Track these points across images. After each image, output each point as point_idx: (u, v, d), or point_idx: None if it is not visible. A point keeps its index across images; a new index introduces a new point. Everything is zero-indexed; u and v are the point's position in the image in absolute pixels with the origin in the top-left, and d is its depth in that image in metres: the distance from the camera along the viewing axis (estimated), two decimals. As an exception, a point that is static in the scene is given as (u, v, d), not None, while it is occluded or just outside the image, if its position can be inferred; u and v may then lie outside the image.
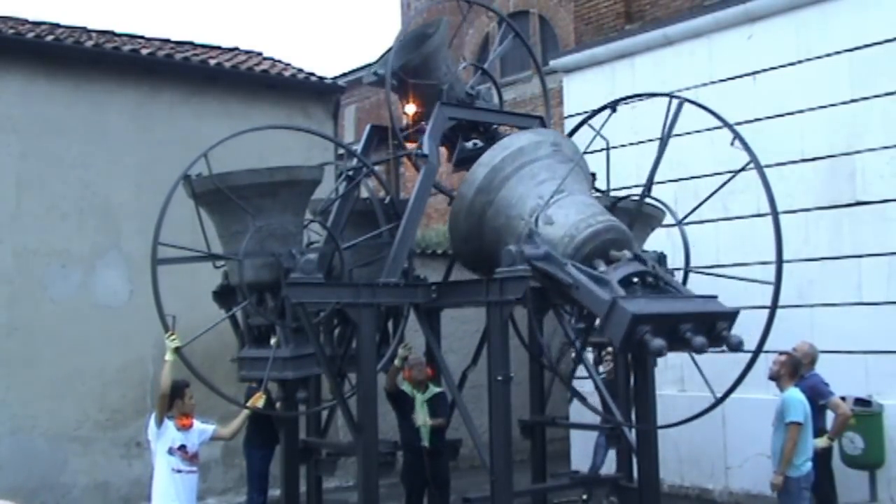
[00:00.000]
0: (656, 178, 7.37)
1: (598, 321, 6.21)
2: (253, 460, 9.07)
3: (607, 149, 7.82)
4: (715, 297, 6.46)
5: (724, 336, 6.16)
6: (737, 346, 6.14)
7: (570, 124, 11.82)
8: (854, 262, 9.51)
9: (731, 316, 6.24)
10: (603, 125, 7.75)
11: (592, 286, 6.12)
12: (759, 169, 6.47)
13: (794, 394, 7.30)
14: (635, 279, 6.36)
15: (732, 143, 6.72)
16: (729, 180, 7.00)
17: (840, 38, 9.75)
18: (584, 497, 10.33)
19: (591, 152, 8.04)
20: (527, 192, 6.95)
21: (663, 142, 7.12)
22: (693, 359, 6.43)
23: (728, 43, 10.78)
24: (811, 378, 8.06)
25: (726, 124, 6.97)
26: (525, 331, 8.65)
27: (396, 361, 8.06)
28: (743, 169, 6.80)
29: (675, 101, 7.18)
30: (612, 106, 7.93)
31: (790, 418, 7.15)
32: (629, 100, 7.96)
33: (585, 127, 8.03)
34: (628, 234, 6.83)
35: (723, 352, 6.63)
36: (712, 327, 6.14)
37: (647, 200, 7.69)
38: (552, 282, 6.40)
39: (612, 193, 8.35)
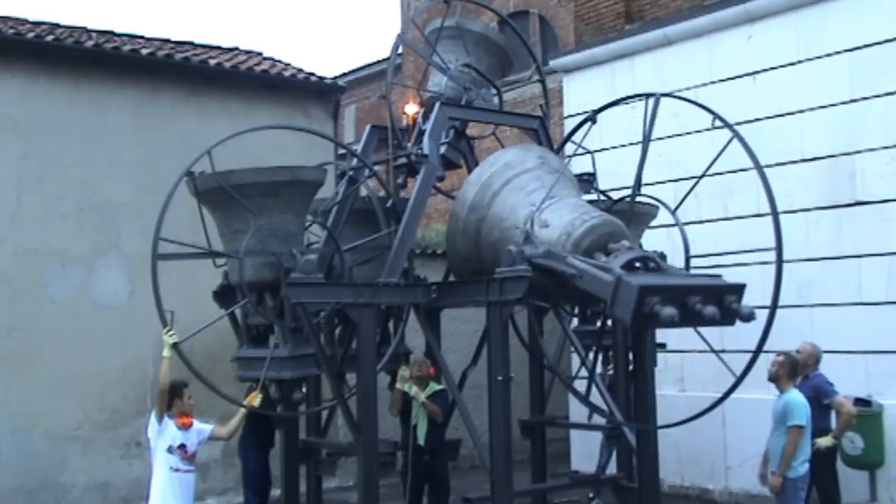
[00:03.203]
0: (656, 179, 7.39)
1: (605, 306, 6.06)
2: (248, 461, 9.01)
3: (592, 158, 8.09)
4: (720, 276, 6.40)
5: (734, 308, 5.94)
6: (748, 317, 5.93)
7: (570, 124, 11.83)
8: (854, 262, 9.51)
9: (738, 289, 6.07)
10: (584, 137, 8.02)
11: (596, 272, 6.10)
12: (745, 145, 6.52)
13: (796, 396, 7.26)
14: (637, 264, 6.35)
15: (713, 124, 6.83)
16: (716, 158, 7.02)
17: (840, 38, 9.75)
18: (591, 496, 10.34)
19: (589, 152, 8.10)
20: (518, 203, 7.07)
21: (646, 140, 7.16)
22: (700, 333, 6.38)
23: (728, 43, 10.78)
24: (815, 378, 8.06)
25: (704, 107, 7.02)
26: (525, 331, 8.65)
27: (398, 384, 8.11)
28: (727, 145, 6.82)
29: (651, 99, 7.23)
30: (592, 118, 8.01)
31: (793, 422, 7.11)
32: (607, 108, 8.04)
33: (582, 131, 8.09)
34: (624, 228, 6.88)
35: (723, 351, 6.65)
36: (721, 301, 5.93)
37: (639, 199, 7.70)
38: (554, 278, 6.38)
39: (612, 194, 8.38)
